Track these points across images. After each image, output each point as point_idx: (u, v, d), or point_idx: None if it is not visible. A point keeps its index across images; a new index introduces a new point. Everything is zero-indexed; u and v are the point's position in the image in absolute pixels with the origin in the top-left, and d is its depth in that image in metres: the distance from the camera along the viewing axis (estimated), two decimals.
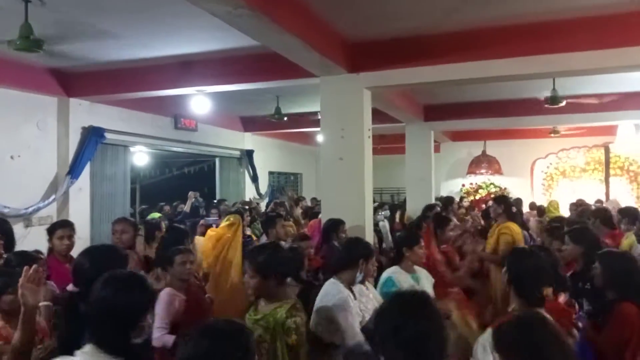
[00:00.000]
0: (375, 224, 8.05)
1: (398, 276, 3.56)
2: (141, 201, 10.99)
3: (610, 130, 10.12)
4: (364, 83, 5.09)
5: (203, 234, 6.16)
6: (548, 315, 2.30)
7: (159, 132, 8.26)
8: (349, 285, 3.06)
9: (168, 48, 5.30)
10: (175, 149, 9.01)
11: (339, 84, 5.09)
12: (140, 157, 9.38)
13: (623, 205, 7.75)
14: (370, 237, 5.19)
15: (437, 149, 12.36)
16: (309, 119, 9.02)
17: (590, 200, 9.56)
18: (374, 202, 11.30)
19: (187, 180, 11.43)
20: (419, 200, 8.34)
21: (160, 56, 5.57)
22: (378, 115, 7.51)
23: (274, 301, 2.50)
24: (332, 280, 3.10)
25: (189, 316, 3.12)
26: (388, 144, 11.23)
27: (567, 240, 3.71)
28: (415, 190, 8.81)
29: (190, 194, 7.53)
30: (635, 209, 5.67)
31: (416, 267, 3.76)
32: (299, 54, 4.34)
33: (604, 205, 8.38)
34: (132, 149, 7.88)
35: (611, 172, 11.91)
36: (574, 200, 9.44)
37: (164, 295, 3.20)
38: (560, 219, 5.65)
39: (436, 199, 9.14)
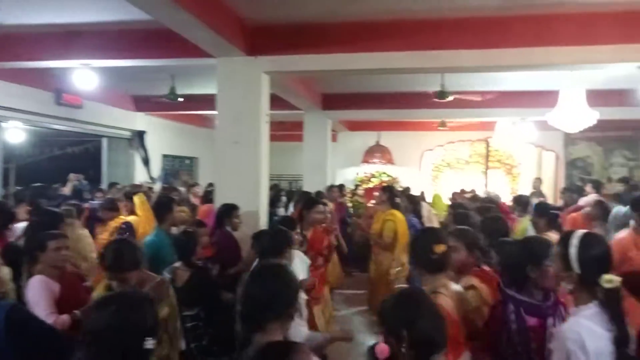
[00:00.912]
0: (273, 212, 8.08)
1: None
2: (17, 182, 10.03)
3: (491, 126, 10.94)
4: (263, 67, 5.02)
5: (88, 219, 5.78)
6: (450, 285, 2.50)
7: (38, 108, 7.55)
8: None
9: (51, 15, 4.83)
10: (56, 126, 8.29)
11: (236, 66, 4.98)
12: (16, 134, 8.53)
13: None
14: (264, 223, 5.18)
15: (334, 138, 12.66)
16: (206, 100, 8.75)
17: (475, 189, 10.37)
18: (274, 189, 11.34)
19: (71, 161, 10.62)
20: (315, 187, 8.48)
21: (41, 23, 5.07)
22: (277, 102, 7.47)
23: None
24: None
25: (65, 306, 2.91)
26: (287, 131, 11.26)
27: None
28: (312, 178, 8.95)
29: (71, 176, 7.00)
30: (527, 198, 6.31)
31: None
32: (193, 32, 4.17)
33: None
34: (4, 124, 7.14)
35: (490, 164, 12.99)
36: (458, 190, 10.26)
37: (36, 282, 2.95)
38: (460, 205, 6.09)
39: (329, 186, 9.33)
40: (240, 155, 5.00)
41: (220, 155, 5.16)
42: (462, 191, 10.06)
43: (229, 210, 4.67)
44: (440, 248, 2.47)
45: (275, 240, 3.37)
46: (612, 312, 2.02)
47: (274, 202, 8.58)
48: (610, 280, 2.03)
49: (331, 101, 8.80)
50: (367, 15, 4.65)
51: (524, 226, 5.21)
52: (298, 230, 4.03)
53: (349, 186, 11.74)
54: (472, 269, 2.81)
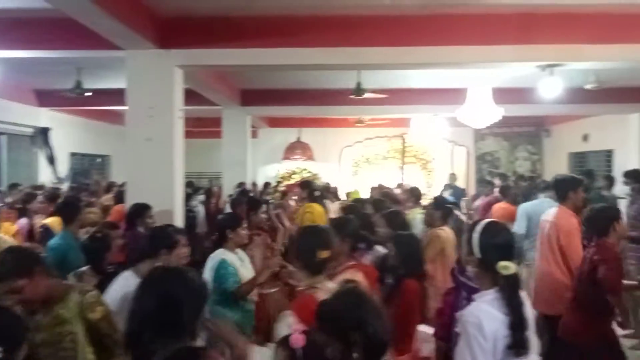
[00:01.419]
0: (190, 209, 7.86)
1: (228, 257, 3.59)
2: None
3: (407, 122, 11.31)
4: (175, 61, 4.84)
5: None
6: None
7: None
8: None
9: None
10: None
11: (147, 59, 4.76)
12: None
13: None
14: (180, 222, 5.00)
15: (255, 135, 12.51)
16: (116, 95, 8.31)
17: (391, 184, 10.66)
18: (191, 186, 11.03)
19: None
20: (235, 184, 8.37)
21: None
22: (194, 97, 7.25)
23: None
24: (126, 273, 2.86)
25: None
26: (206, 127, 11.00)
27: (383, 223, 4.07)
28: (231, 175, 8.80)
29: None
30: (419, 190, 6.59)
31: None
32: (97, 21, 3.92)
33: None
34: None
35: (407, 160, 13.45)
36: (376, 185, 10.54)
37: None
38: (358, 199, 6.26)
39: (253, 184, 9.25)
40: (154, 152, 4.80)
41: (132, 152, 4.91)
42: (380, 186, 10.33)
43: (140, 210, 4.46)
44: (324, 254, 2.49)
45: (152, 240, 3.07)
46: (509, 297, 2.13)
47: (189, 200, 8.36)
48: (506, 266, 2.14)
49: (250, 97, 8.69)
50: (283, 10, 4.61)
51: (412, 217, 5.44)
52: (245, 226, 3.91)
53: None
54: (345, 259, 2.82)
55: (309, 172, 12.96)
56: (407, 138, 12.74)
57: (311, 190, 6.01)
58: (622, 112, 8.91)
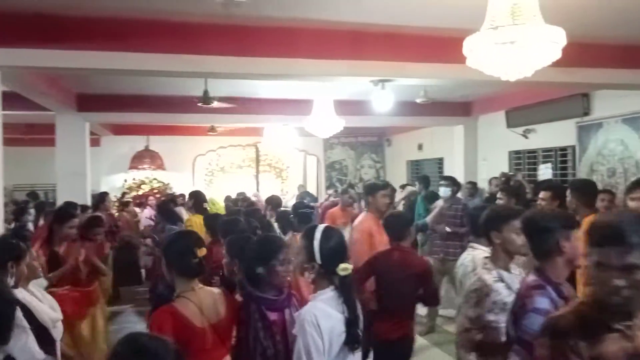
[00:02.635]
0: (22, 225, 7.14)
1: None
2: None
3: (260, 131, 11.42)
4: None
5: None
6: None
7: None
8: None
9: None
10: None
11: None
12: None
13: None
14: None
15: (97, 143, 11.66)
16: None
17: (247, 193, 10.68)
18: (34, 198, 9.90)
19: None
20: (73, 195, 7.63)
21: None
22: (21, 101, 6.56)
23: None
24: None
25: None
26: (39, 135, 9.96)
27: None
28: (68, 186, 8.02)
29: None
30: (278, 198, 6.73)
31: None
32: None
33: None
34: None
35: (261, 168, 13.56)
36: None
37: None
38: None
39: (92, 195, 8.57)
40: None
41: None
42: (240, 194, 10.30)
43: None
44: (202, 252, 2.49)
45: None
46: (345, 296, 2.26)
47: (19, 216, 7.53)
48: (345, 268, 2.28)
49: (88, 102, 8.04)
50: (117, 12, 4.35)
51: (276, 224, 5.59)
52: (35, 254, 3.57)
53: (116, 194, 10.94)
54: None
55: (160, 181, 12.40)
56: (261, 147, 12.85)
57: (198, 200, 5.94)
58: (448, 124, 9.98)
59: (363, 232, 4.29)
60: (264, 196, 10.09)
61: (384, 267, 3.63)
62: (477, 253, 3.17)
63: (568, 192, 4.06)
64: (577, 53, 4.62)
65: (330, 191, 9.24)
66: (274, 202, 6.52)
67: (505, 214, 2.71)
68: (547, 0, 2.98)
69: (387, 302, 3.56)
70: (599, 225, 1.59)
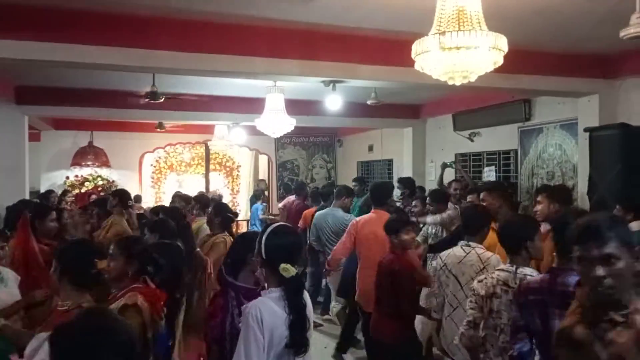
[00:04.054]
0: None
1: None
2: None
3: (211, 129, 11.24)
4: None
5: None
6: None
7: None
8: None
9: None
10: None
11: None
12: None
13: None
14: None
15: (37, 137, 11.14)
16: None
17: (194, 192, 10.48)
18: None
19: None
20: (10, 193, 7.25)
21: None
22: None
23: None
24: None
25: None
26: None
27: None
28: (5, 183, 7.62)
29: None
30: (207, 197, 6.62)
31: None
32: None
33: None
34: None
35: (211, 167, 13.35)
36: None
37: None
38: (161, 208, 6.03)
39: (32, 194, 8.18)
40: None
41: None
42: (181, 194, 10.11)
43: None
44: (102, 264, 2.48)
45: None
46: (291, 298, 2.25)
47: None
48: (286, 269, 2.26)
49: (28, 95, 7.66)
50: (61, 1, 4.17)
51: (198, 225, 5.51)
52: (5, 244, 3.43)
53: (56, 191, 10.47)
54: (129, 281, 2.66)
55: (105, 179, 11.98)
56: (212, 145, 12.65)
57: (123, 199, 5.66)
58: (398, 126, 10.16)
59: None
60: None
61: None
62: (481, 252, 3.43)
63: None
64: (519, 60, 4.84)
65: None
66: (202, 201, 6.20)
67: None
68: (490, 9, 3.09)
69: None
70: (579, 225, 1.81)
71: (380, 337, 3.98)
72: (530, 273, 2.79)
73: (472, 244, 3.48)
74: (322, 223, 6.16)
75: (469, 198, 4.91)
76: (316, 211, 6.76)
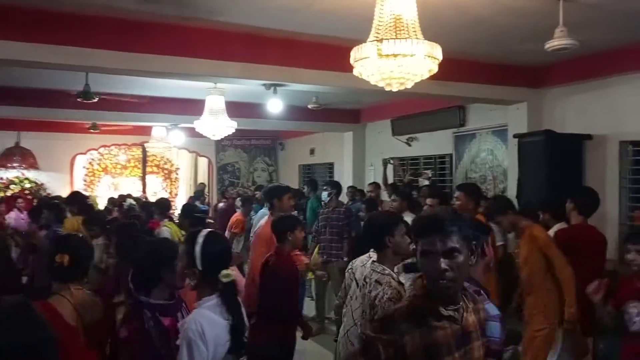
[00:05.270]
0: None
1: None
2: None
3: (147, 131, 10.93)
4: None
5: None
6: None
7: None
8: None
9: None
10: None
11: None
12: None
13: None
14: None
15: None
16: None
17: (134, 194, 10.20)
18: None
19: None
20: None
21: None
22: None
23: None
24: None
25: None
26: None
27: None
28: None
29: None
30: (167, 202, 6.48)
31: None
32: None
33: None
34: None
35: (148, 169, 12.97)
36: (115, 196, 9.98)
37: None
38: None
39: None
40: None
41: None
42: (120, 196, 9.79)
43: None
44: (64, 258, 2.45)
45: None
46: (229, 303, 2.23)
47: None
48: (227, 275, 2.24)
49: None
50: None
51: (158, 231, 5.35)
52: None
53: None
54: None
55: (32, 181, 11.36)
56: (149, 147, 12.29)
57: (83, 204, 5.78)
58: (338, 131, 10.30)
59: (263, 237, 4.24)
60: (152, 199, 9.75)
61: None
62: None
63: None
64: (453, 69, 5.04)
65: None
66: (162, 205, 6.13)
67: None
68: (425, 18, 3.20)
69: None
70: (422, 219, 1.87)
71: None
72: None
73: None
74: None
75: (429, 202, 4.90)
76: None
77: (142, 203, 8.18)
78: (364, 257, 3.22)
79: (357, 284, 3.04)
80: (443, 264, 1.65)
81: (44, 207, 6.17)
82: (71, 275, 2.50)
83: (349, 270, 3.24)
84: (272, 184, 6.48)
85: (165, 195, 12.86)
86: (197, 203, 10.32)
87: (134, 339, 2.36)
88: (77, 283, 2.52)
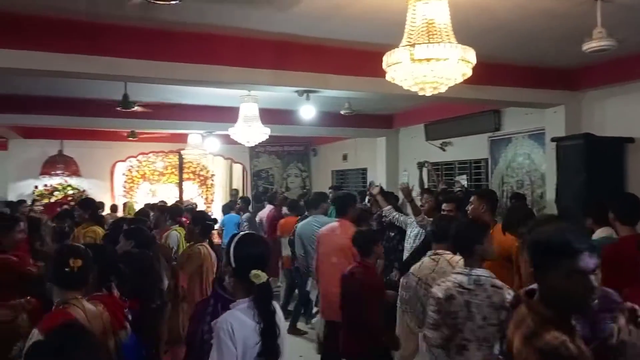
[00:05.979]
0: None
1: None
2: None
3: (184, 138, 11.16)
4: None
5: None
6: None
7: None
8: None
9: None
10: None
11: None
12: None
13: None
14: None
15: (4, 146, 10.91)
16: None
17: (171, 201, 10.37)
18: None
19: None
20: None
21: None
22: None
23: None
24: None
25: None
26: None
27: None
28: None
29: None
30: (179, 209, 6.59)
31: None
32: None
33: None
34: None
35: (185, 176, 13.22)
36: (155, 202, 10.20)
37: None
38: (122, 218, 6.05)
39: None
40: None
41: None
42: (161, 202, 10.01)
43: None
44: (76, 262, 2.47)
45: None
46: (261, 306, 2.26)
47: None
48: (257, 275, 2.27)
49: None
50: (28, 8, 4.11)
51: (172, 234, 5.49)
52: None
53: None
54: (92, 289, 2.69)
55: (75, 188, 11.75)
56: (185, 154, 12.54)
57: (94, 210, 5.78)
58: (371, 136, 10.27)
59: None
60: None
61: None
62: (450, 257, 3.38)
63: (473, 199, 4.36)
64: (487, 72, 4.96)
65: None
66: (173, 212, 6.14)
67: None
68: (456, 22, 3.17)
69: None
70: (561, 237, 1.72)
71: (347, 350, 3.89)
72: (482, 274, 2.88)
73: (439, 251, 3.51)
74: (307, 233, 5.64)
75: (445, 207, 4.88)
76: (297, 222, 6.57)
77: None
78: (428, 265, 3.39)
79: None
80: (594, 281, 1.62)
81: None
82: (79, 282, 2.51)
83: (419, 283, 3.35)
84: (342, 191, 6.48)
85: (201, 201, 13.12)
86: (232, 212, 10.42)
87: (194, 318, 2.61)
88: (80, 292, 2.52)
